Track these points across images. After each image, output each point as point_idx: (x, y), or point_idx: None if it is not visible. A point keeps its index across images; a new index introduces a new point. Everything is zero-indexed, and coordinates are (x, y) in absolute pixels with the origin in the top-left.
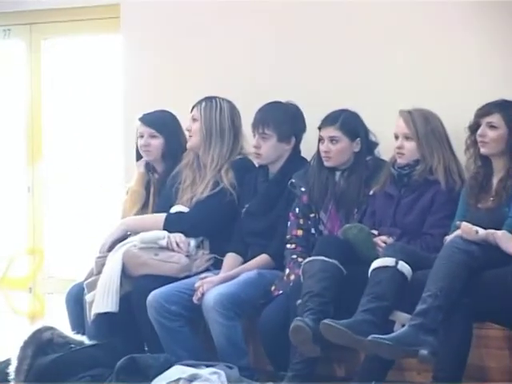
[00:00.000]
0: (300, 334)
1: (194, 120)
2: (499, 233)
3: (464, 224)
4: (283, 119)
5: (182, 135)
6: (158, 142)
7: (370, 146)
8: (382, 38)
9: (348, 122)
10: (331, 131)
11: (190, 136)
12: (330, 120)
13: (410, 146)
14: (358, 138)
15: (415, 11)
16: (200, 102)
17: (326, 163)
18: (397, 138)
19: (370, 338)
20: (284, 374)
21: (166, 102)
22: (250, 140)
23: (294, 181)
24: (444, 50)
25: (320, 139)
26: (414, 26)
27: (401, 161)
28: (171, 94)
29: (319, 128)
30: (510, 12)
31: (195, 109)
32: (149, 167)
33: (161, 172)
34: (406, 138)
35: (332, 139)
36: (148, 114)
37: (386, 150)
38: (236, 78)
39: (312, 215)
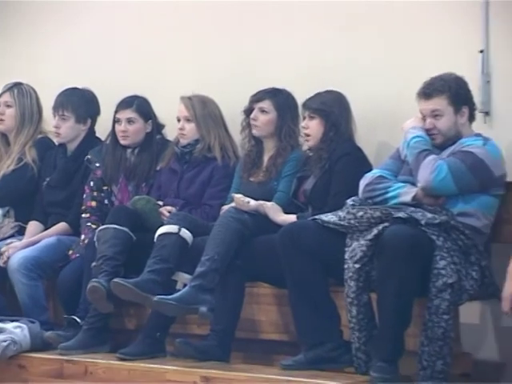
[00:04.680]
0: (95, 293)
1: (8, 106)
2: (269, 204)
3: (237, 196)
4: (80, 103)
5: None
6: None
7: (158, 127)
8: (165, 33)
9: (142, 106)
10: (128, 113)
11: (2, 120)
12: (126, 103)
13: (190, 127)
14: (150, 120)
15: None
16: (11, 89)
17: (122, 142)
18: (179, 120)
19: (155, 298)
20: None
21: None
22: (49, 121)
23: (89, 157)
24: (218, 42)
25: (117, 121)
26: (192, 18)
27: (183, 140)
28: None
29: (116, 111)
30: None
31: (7, 94)
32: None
33: None
34: (187, 120)
35: (129, 120)
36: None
37: (170, 131)
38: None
39: (105, 188)
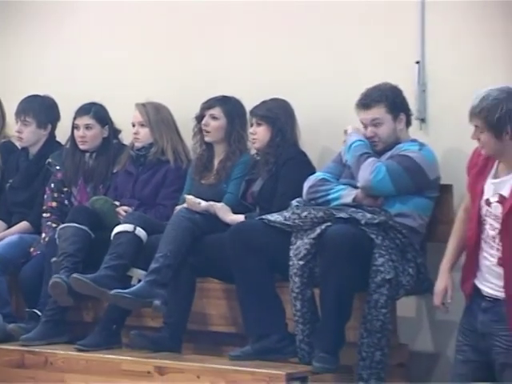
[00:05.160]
0: (57, 288)
1: None
2: (218, 205)
3: (188, 197)
4: (41, 109)
5: None
6: None
7: (114, 132)
8: (123, 44)
9: (99, 112)
10: (86, 120)
11: None
12: (83, 110)
13: (144, 131)
14: (107, 126)
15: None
16: None
17: (81, 146)
18: (134, 125)
19: (112, 292)
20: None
21: None
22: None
23: (50, 160)
24: (171, 52)
25: (75, 127)
26: (147, 30)
27: (137, 144)
28: None
29: (74, 117)
30: None
31: None
32: None
33: None
34: (141, 125)
35: (87, 126)
36: None
37: (126, 136)
38: None
39: (65, 189)
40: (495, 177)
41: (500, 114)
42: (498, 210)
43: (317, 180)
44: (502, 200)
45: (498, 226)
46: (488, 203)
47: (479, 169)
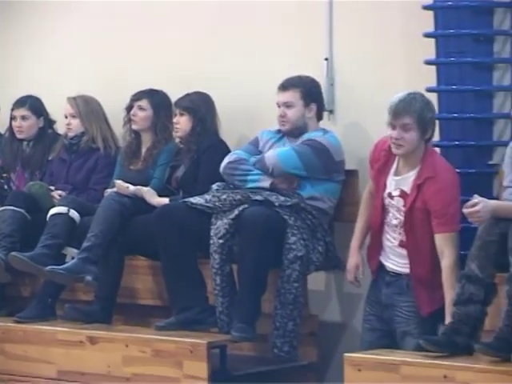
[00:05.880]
0: None
1: None
2: (145, 189)
3: (118, 182)
4: None
5: None
6: None
7: (49, 122)
8: (59, 43)
9: (34, 104)
10: (22, 111)
11: None
12: (20, 103)
13: (75, 122)
14: (42, 117)
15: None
16: None
17: (18, 136)
18: (66, 117)
19: (47, 268)
20: None
21: None
22: None
23: None
24: (101, 50)
25: (13, 118)
26: (74, 29)
27: (70, 134)
28: None
29: (12, 109)
30: None
31: None
32: None
33: None
34: (73, 116)
35: (23, 117)
36: None
37: (61, 127)
38: None
39: (4, 175)
40: (396, 174)
41: (432, 114)
42: (399, 203)
43: (238, 158)
44: (403, 195)
45: (399, 216)
46: (391, 196)
47: (381, 164)
